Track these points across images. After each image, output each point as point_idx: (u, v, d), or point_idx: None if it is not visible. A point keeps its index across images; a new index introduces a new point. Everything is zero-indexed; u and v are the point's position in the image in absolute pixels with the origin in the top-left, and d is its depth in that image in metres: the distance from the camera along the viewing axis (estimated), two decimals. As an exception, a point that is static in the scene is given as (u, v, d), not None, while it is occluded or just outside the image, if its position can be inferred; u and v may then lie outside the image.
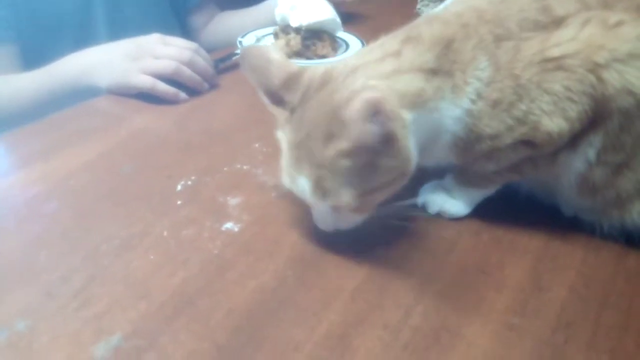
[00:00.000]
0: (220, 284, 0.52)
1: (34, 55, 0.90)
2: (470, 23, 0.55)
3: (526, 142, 0.55)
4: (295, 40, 1.00)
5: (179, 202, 0.62)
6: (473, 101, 0.53)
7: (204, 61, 0.88)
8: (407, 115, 0.50)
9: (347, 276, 0.54)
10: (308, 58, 0.99)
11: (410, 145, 0.50)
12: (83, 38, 0.94)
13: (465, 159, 0.58)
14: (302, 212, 0.62)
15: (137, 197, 0.63)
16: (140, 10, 1.04)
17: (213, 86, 0.89)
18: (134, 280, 0.52)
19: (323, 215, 0.55)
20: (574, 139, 0.55)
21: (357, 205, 0.51)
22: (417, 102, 0.52)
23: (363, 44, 1.04)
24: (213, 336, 0.46)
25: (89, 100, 0.83)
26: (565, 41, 0.52)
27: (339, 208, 0.52)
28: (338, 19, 1.02)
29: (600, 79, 0.51)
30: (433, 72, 0.53)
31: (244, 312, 0.49)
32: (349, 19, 1.14)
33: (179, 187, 0.65)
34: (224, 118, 0.83)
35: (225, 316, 0.48)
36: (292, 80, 0.53)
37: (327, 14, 1.01)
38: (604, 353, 0.48)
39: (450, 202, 0.62)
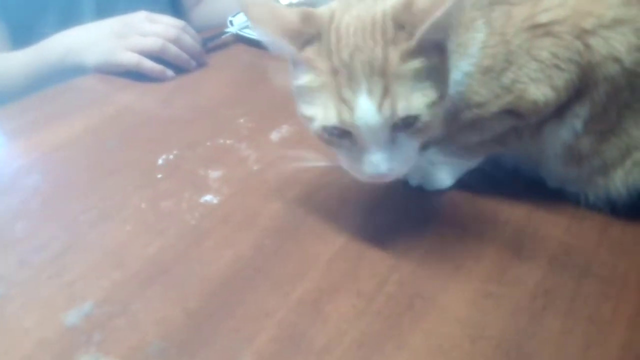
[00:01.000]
0: (196, 253, 0.52)
1: (21, 34, 0.90)
2: None
3: (511, 112, 0.54)
4: (286, 19, 0.99)
5: (159, 176, 0.62)
6: (471, 64, 0.52)
7: (191, 39, 0.87)
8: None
9: (324, 245, 0.53)
10: (298, 36, 0.99)
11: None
12: (70, 16, 0.93)
13: (450, 127, 0.57)
14: (282, 184, 0.62)
15: (118, 170, 0.63)
16: None
17: (201, 65, 0.89)
18: (109, 250, 0.52)
19: (381, 147, 0.47)
20: (560, 110, 0.54)
21: (427, 119, 0.46)
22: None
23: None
24: (185, 303, 0.46)
25: (76, 79, 0.83)
26: (554, 6, 0.51)
27: (408, 125, 0.46)
28: (329, -3, 1.01)
29: (587, 46, 0.50)
30: None
31: (219, 280, 0.49)
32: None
33: (160, 161, 0.65)
34: (211, 95, 0.82)
35: (199, 284, 0.48)
36: (307, 15, 0.50)
37: (317, -8, 1.00)
38: (581, 320, 0.47)
39: (432, 174, 0.62)
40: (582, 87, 0.52)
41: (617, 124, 0.53)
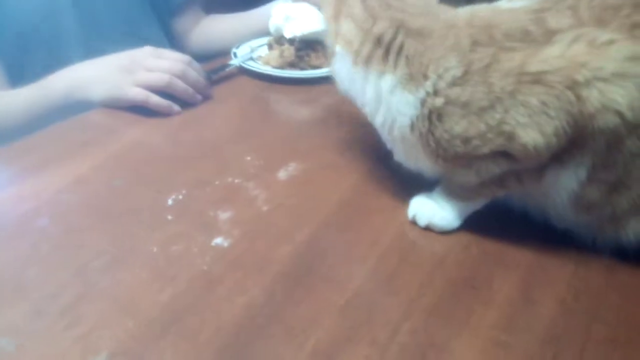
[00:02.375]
0: (208, 300, 0.52)
1: (10, 71, 0.90)
2: (456, 25, 0.56)
3: (504, 154, 0.55)
4: (289, 51, 1.00)
5: (169, 217, 0.62)
6: (429, 94, 0.55)
7: (196, 73, 0.88)
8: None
9: (337, 292, 0.54)
10: (302, 68, 1.00)
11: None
12: (56, 48, 0.93)
13: (443, 163, 0.58)
14: (292, 226, 0.62)
15: (127, 212, 0.63)
16: (116, 15, 1.02)
17: (206, 98, 0.89)
18: (122, 298, 0.52)
19: None
20: (561, 157, 0.55)
21: None
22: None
23: (357, 54, 1.05)
24: (200, 355, 0.46)
25: (81, 114, 0.83)
26: (551, 58, 0.52)
27: None
28: (332, 29, 1.02)
29: (578, 97, 0.51)
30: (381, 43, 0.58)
31: (232, 330, 0.49)
32: (343, 28, 1.14)
33: (169, 202, 0.65)
34: (217, 130, 0.83)
35: (213, 334, 0.48)
36: None
37: (320, 25, 1.01)
38: (592, 368, 0.48)
39: (439, 215, 0.62)
40: (577, 136, 0.53)
41: (626, 174, 0.54)
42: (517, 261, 0.59)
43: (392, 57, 0.57)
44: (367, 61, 0.60)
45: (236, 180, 0.70)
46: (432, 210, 0.63)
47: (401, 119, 0.58)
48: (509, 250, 0.60)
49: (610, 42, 0.51)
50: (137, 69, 0.82)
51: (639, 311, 0.54)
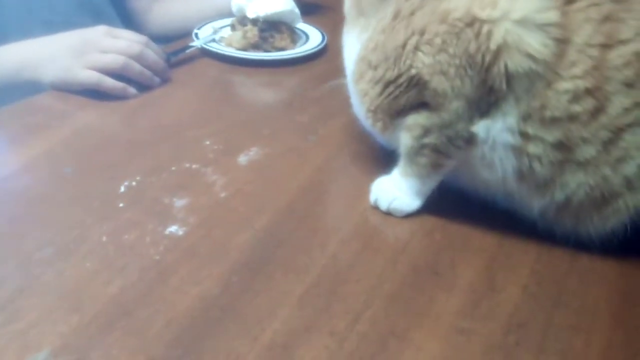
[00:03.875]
0: (159, 292, 0.49)
1: None
2: None
3: (424, 104, 0.55)
4: (252, 32, 0.97)
5: (121, 205, 0.59)
6: (368, 39, 0.58)
7: (154, 55, 0.84)
8: None
9: (295, 281, 0.52)
10: (266, 50, 0.97)
11: None
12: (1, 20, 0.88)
13: (373, 119, 0.59)
14: (251, 213, 0.60)
15: (77, 200, 0.60)
16: None
17: (165, 81, 0.86)
18: (66, 291, 0.49)
19: None
20: (483, 107, 0.53)
21: None
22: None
23: (324, 36, 1.02)
24: (148, 350, 0.44)
25: (30, 97, 0.79)
26: None
27: None
28: (297, 10, 1.00)
29: (477, 35, 0.50)
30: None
31: (184, 323, 0.47)
32: (308, 10, 1.11)
33: (122, 189, 0.62)
34: (175, 114, 0.80)
35: (164, 327, 0.46)
36: None
37: (284, 5, 0.98)
38: (554, 354, 0.47)
39: (398, 199, 0.61)
40: (487, 80, 0.51)
41: (567, 139, 0.52)
42: (480, 247, 0.58)
43: (360, 14, 0.62)
44: (349, 24, 0.63)
45: (194, 166, 0.67)
46: (392, 193, 0.61)
47: (350, 66, 0.61)
48: (472, 236, 0.59)
49: None
50: (90, 50, 0.78)
51: (600, 297, 0.53)
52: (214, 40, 0.98)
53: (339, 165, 0.69)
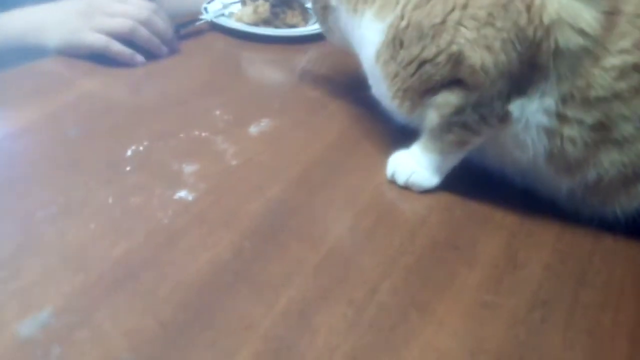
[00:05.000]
0: (168, 255, 0.47)
1: None
2: None
3: (458, 83, 0.52)
4: (264, 7, 0.94)
5: (127, 168, 0.57)
6: (397, 18, 0.54)
7: (163, 23, 0.81)
8: None
9: (310, 250, 0.49)
10: (276, 27, 0.94)
11: None
12: None
13: (402, 98, 0.56)
14: (262, 182, 0.57)
15: (81, 161, 0.57)
16: None
17: (173, 51, 0.83)
18: (70, 251, 0.46)
19: None
20: (523, 87, 0.50)
21: None
22: None
23: (335, 15, 0.99)
24: (156, 312, 0.41)
25: (35, 62, 0.76)
26: None
27: None
28: (309, -13, 0.97)
29: (529, 7, 0.47)
30: None
31: (194, 287, 0.44)
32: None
33: (128, 152, 0.59)
34: (183, 84, 0.77)
35: (172, 290, 0.43)
36: None
37: (298, -19, 0.96)
38: (581, 332, 0.45)
39: (417, 173, 0.58)
40: (532, 56, 0.49)
41: (606, 118, 0.50)
42: (501, 224, 0.56)
43: None
44: (356, 6, 0.59)
45: (203, 134, 0.64)
46: (411, 167, 0.59)
47: (370, 49, 0.57)
48: (492, 212, 0.57)
49: None
50: (98, 13, 0.75)
51: (626, 276, 0.51)
52: (223, 15, 0.95)
53: (352, 139, 0.67)
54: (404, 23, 0.53)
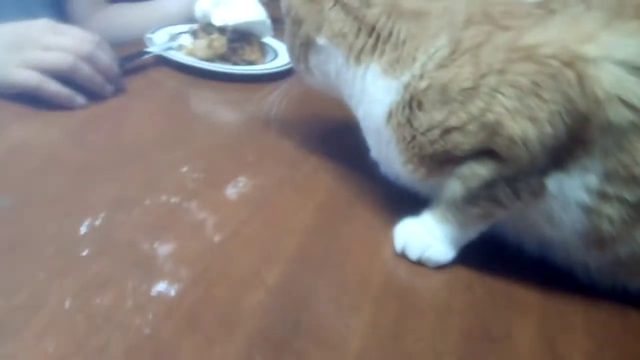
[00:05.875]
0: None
1: None
2: (455, 5, 0.48)
3: (490, 154, 0.46)
4: (220, 42, 0.84)
5: (84, 253, 0.44)
6: (414, 77, 0.47)
7: (107, 58, 0.69)
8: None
9: (333, 357, 0.40)
10: (234, 63, 0.84)
11: None
12: None
13: (418, 165, 0.49)
14: (257, 263, 0.47)
15: (21, 245, 0.44)
16: None
17: (118, 90, 0.71)
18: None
19: None
20: (564, 161, 0.45)
21: None
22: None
23: (294, 52, 0.91)
24: None
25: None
26: (549, 28, 0.44)
27: None
28: (269, 22, 0.88)
29: (581, 77, 0.42)
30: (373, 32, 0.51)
31: None
32: (278, 24, 1.00)
33: (82, 229, 0.47)
34: (136, 132, 0.65)
35: None
36: None
37: (257, 15, 0.87)
38: None
39: (433, 248, 0.51)
40: (579, 130, 0.44)
41: None
42: (525, 302, 0.50)
43: (380, 44, 0.50)
44: (359, 55, 0.51)
45: (172, 199, 0.53)
46: (425, 240, 0.51)
47: (378, 108, 0.51)
48: (513, 289, 0.51)
49: (626, 21, 0.44)
50: (30, 45, 0.62)
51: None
52: (171, 48, 0.84)
53: (344, 200, 0.59)
54: (423, 84, 0.47)
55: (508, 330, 0.46)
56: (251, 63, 0.86)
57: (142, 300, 0.41)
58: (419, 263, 0.51)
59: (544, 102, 0.42)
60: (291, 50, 0.61)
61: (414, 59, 0.48)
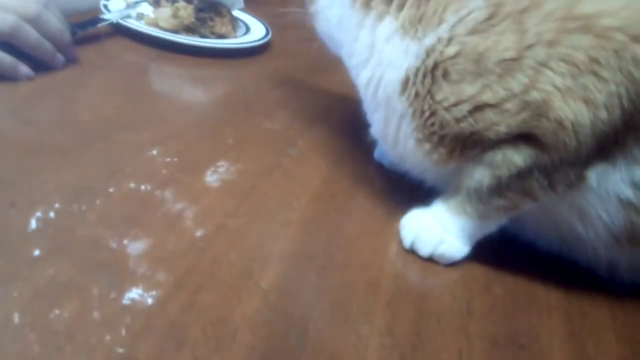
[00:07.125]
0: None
1: None
2: None
3: (529, 138, 0.40)
4: (186, 11, 0.75)
5: (36, 253, 0.36)
6: (441, 41, 0.41)
7: (58, 22, 0.59)
8: None
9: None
10: (202, 35, 0.76)
11: None
12: None
13: (435, 146, 0.43)
14: (248, 263, 0.40)
15: (-50, 243, 0.35)
16: None
17: (70, 60, 0.61)
18: None
19: None
20: (609, 149, 0.40)
21: None
22: None
23: (268, 30, 0.83)
24: None
25: None
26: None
27: None
28: (240, -8, 0.80)
29: None
30: None
31: None
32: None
33: (33, 223, 0.38)
34: (94, 110, 0.56)
35: None
36: None
37: (229, -18, 0.78)
38: None
39: (447, 243, 0.45)
40: (638, 115, 0.38)
41: None
42: (548, 303, 0.45)
43: None
44: (368, 1, 0.44)
45: (143, 187, 0.45)
46: (437, 235, 0.45)
47: (391, 73, 0.44)
48: (533, 288, 0.46)
49: None
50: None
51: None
52: (130, 17, 0.74)
53: (342, 189, 0.52)
54: (452, 50, 0.40)
55: (536, 336, 0.41)
56: (221, 36, 0.77)
57: (112, 311, 0.33)
58: (430, 260, 0.45)
59: (602, 82, 0.37)
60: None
61: (440, 20, 0.41)
